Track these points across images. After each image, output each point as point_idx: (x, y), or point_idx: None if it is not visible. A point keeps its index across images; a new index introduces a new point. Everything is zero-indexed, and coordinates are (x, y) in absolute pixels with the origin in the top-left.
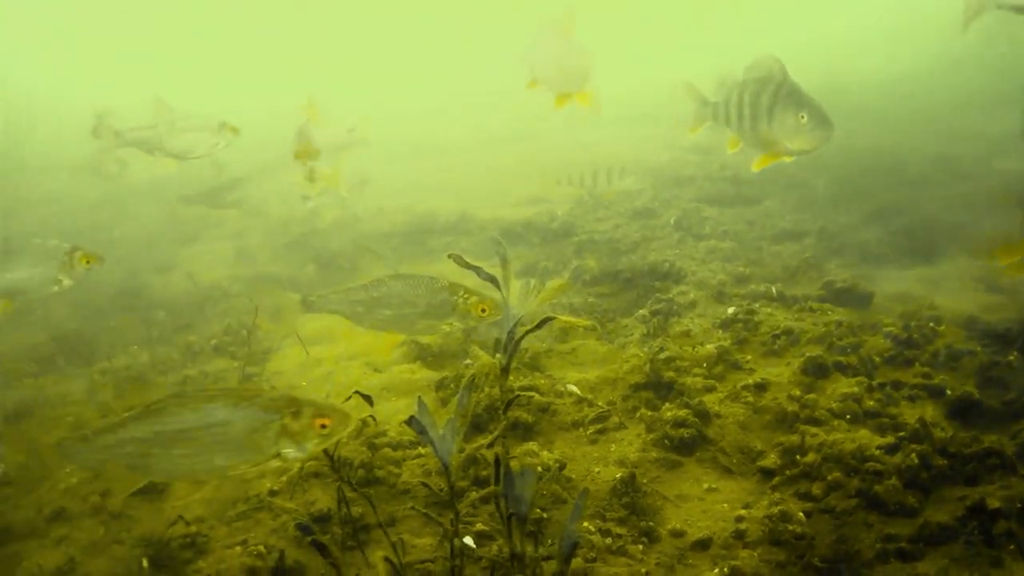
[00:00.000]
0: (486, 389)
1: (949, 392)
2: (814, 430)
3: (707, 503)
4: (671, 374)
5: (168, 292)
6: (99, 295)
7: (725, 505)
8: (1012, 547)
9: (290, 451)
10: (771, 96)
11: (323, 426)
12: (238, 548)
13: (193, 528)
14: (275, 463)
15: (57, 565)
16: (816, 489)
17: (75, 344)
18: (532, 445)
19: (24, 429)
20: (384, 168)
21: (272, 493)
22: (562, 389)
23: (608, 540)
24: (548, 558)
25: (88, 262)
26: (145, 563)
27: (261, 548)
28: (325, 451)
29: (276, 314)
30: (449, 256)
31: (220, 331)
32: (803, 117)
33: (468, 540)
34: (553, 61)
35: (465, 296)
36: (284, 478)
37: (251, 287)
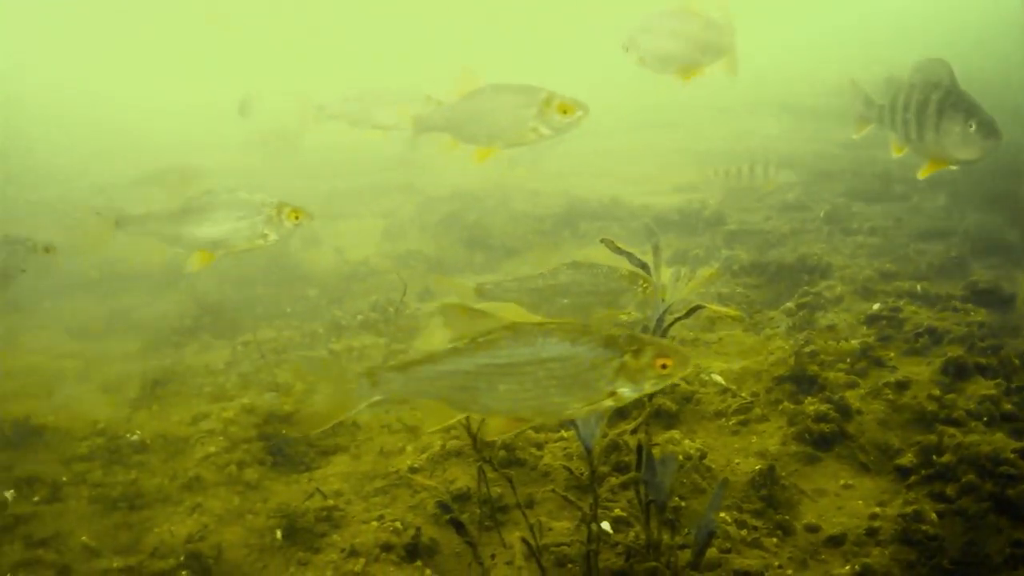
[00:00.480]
0: None
1: None
2: (952, 431)
3: (843, 499)
4: (815, 368)
5: (316, 267)
6: (248, 267)
7: (860, 502)
8: None
9: (626, 390)
10: (939, 102)
11: (664, 366)
12: (374, 523)
13: (330, 501)
14: (608, 402)
15: (189, 532)
16: (950, 490)
17: (221, 315)
18: (674, 433)
19: (161, 396)
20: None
21: (412, 470)
22: (706, 378)
23: (744, 532)
24: (683, 547)
25: (296, 217)
26: (279, 534)
27: (398, 524)
28: (468, 430)
29: (430, 294)
30: (601, 241)
31: (367, 307)
32: (971, 126)
33: (605, 525)
34: (680, 37)
35: (644, 285)
36: (425, 455)
37: (417, 271)
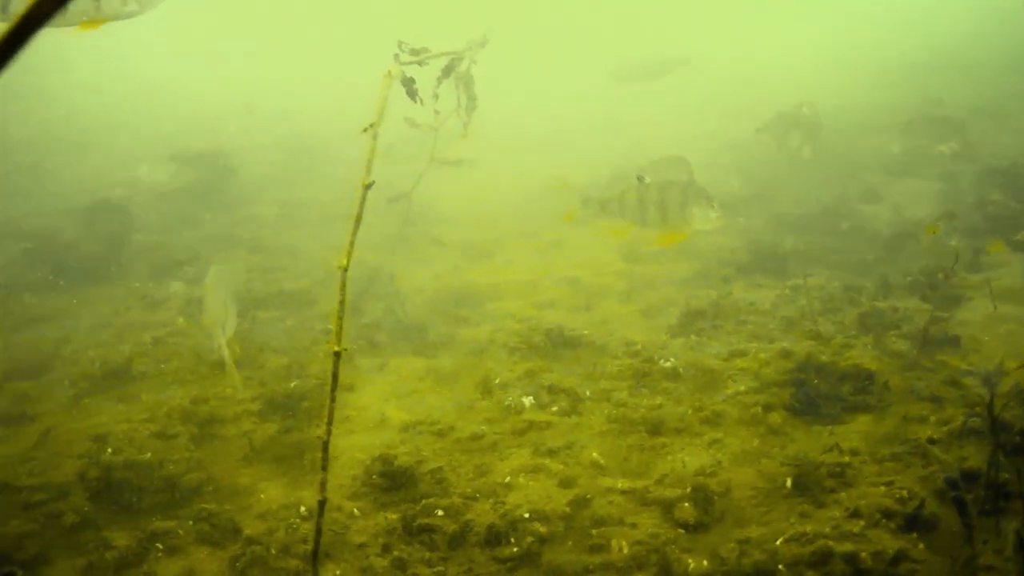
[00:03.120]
0: None
1: None
2: None
3: None
4: None
5: (872, 223)
6: (806, 215)
7: None
8: None
9: None
10: None
11: None
12: (882, 487)
13: (846, 458)
14: None
15: (701, 465)
16: None
17: (772, 256)
18: None
19: (700, 327)
20: None
21: (931, 441)
22: None
23: None
24: None
25: None
26: (789, 483)
27: (904, 493)
28: (989, 411)
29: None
30: None
31: (916, 269)
32: None
33: None
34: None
35: None
36: (946, 428)
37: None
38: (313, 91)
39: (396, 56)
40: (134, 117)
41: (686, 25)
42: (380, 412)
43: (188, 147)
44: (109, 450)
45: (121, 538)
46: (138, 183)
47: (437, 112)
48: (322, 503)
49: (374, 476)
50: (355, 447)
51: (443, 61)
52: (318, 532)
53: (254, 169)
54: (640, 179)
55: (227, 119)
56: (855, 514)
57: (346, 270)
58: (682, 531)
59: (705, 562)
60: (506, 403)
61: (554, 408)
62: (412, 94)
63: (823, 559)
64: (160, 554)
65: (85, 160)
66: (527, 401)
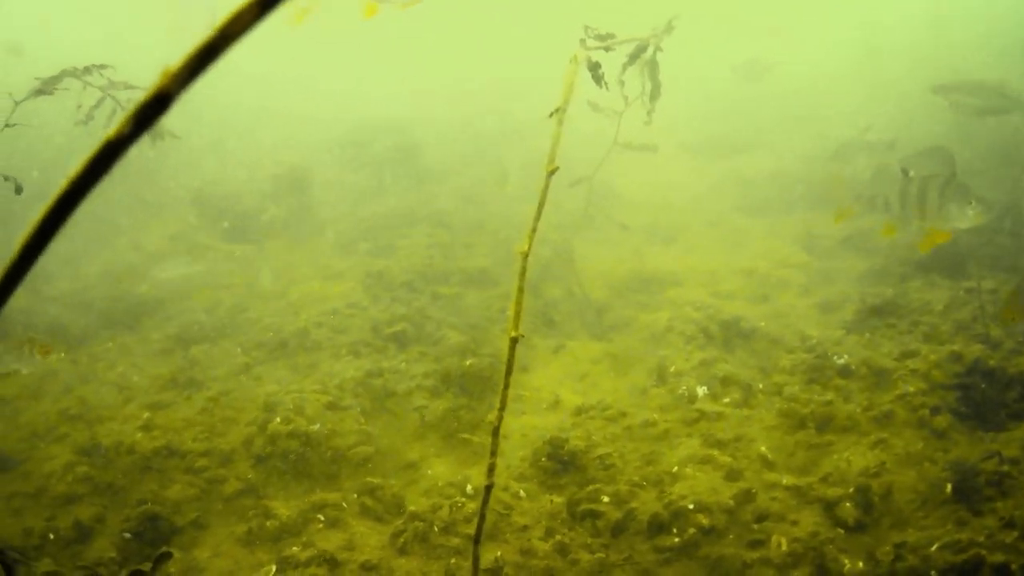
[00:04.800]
0: None
1: None
2: None
3: None
4: None
5: None
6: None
7: None
8: None
9: None
10: None
11: None
12: None
13: (1005, 467)
14: None
15: (866, 466)
16: None
17: (947, 256)
18: None
19: (875, 325)
20: None
21: None
22: None
23: None
24: None
25: None
26: (948, 488)
27: None
28: None
29: None
30: None
31: None
32: None
33: None
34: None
35: None
36: None
37: None
38: (497, 77)
39: (582, 41)
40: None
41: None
42: (554, 394)
43: (374, 123)
44: (277, 419)
45: (282, 508)
46: (321, 161)
47: (625, 97)
48: (488, 488)
49: (543, 459)
50: (526, 428)
51: (629, 47)
52: (482, 517)
53: (440, 148)
54: (904, 172)
55: (405, 101)
56: (1010, 524)
57: (527, 256)
58: (841, 531)
59: (860, 564)
60: (679, 392)
61: (726, 399)
62: (598, 79)
63: (975, 568)
64: (321, 525)
65: (265, 137)
66: (700, 391)
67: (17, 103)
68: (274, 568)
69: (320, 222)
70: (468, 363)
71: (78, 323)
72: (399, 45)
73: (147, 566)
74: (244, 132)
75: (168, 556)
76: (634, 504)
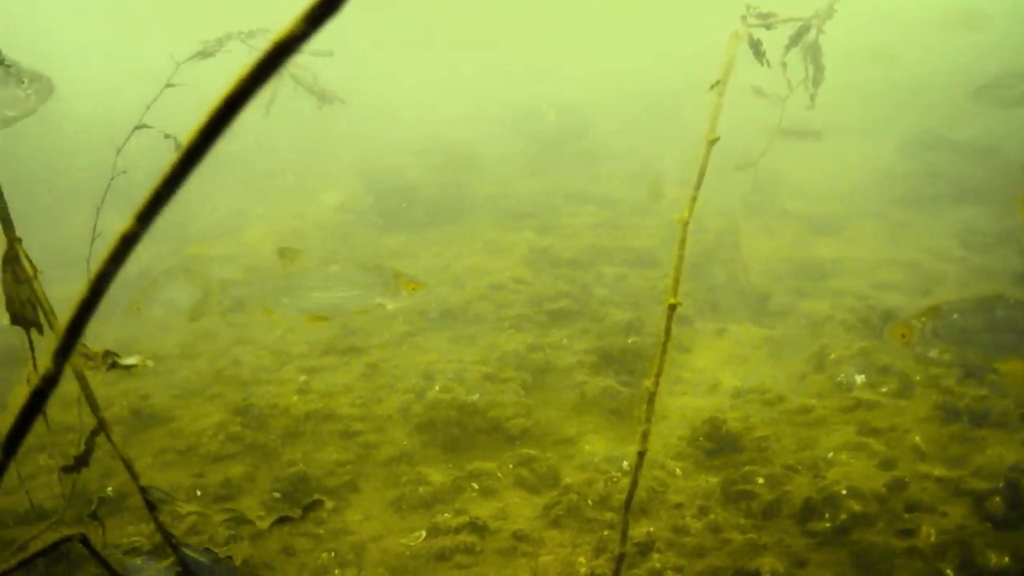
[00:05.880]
0: None
1: None
2: None
3: None
4: None
5: None
6: None
7: None
8: None
9: None
10: None
11: None
12: None
13: None
14: None
15: (1017, 460)
16: None
17: None
18: None
19: None
20: None
21: None
22: None
23: None
24: None
25: None
26: None
27: None
28: None
29: None
30: None
31: None
32: None
33: None
34: None
35: None
36: None
37: None
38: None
39: (743, 18)
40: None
41: None
42: (714, 376)
43: (544, 103)
44: (436, 388)
45: (436, 475)
46: (488, 137)
47: (788, 81)
48: (641, 455)
49: (700, 438)
50: (686, 408)
51: (790, 29)
52: (633, 484)
53: (610, 127)
54: None
55: (577, 82)
56: None
57: (687, 224)
58: (989, 525)
59: (1007, 559)
60: (837, 379)
61: (883, 389)
62: (759, 56)
63: None
64: (475, 494)
65: (432, 111)
66: (858, 379)
67: (179, 64)
68: (424, 533)
69: (484, 197)
70: (630, 341)
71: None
72: (576, 28)
73: (297, 512)
74: (410, 104)
75: (319, 503)
76: (788, 487)
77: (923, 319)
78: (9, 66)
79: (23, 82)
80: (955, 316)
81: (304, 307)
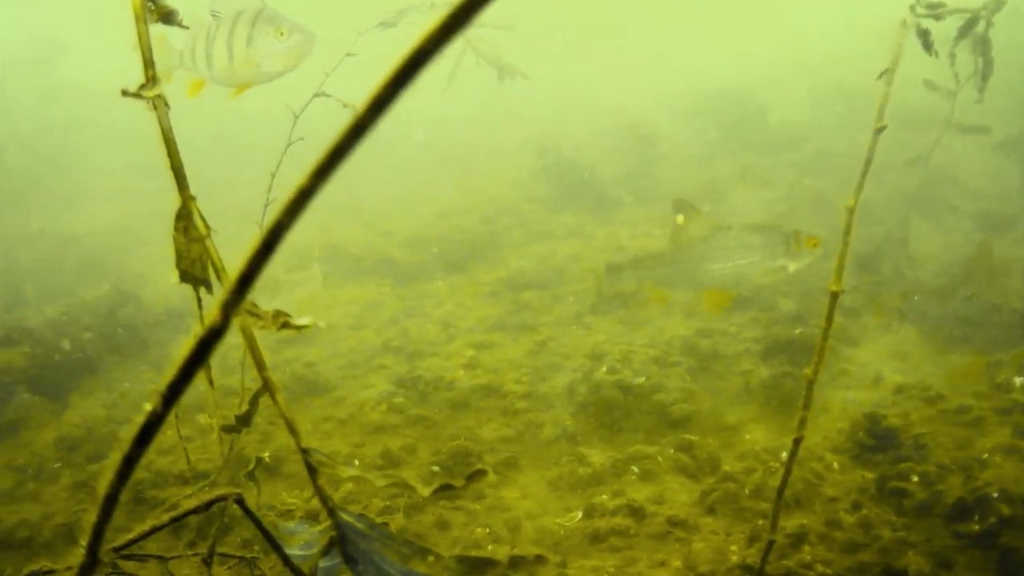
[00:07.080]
0: None
1: None
2: None
3: None
4: None
5: None
6: None
7: None
8: None
9: None
10: None
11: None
12: None
13: None
14: None
15: None
16: None
17: None
18: None
19: None
20: None
21: None
22: None
23: None
24: None
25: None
26: None
27: None
28: None
29: None
30: None
31: None
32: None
33: None
34: None
35: None
36: None
37: None
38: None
39: (912, 7)
40: None
41: None
42: (877, 371)
43: (718, 89)
44: (603, 369)
45: (597, 456)
46: (664, 121)
47: (955, 75)
48: (797, 441)
49: (860, 433)
50: (847, 401)
51: (958, 21)
52: (787, 471)
53: (785, 113)
54: None
55: (753, 69)
56: None
57: (852, 212)
58: None
59: None
60: (997, 380)
61: None
62: (928, 46)
63: None
64: (634, 477)
65: (607, 93)
66: (1018, 381)
67: (359, 34)
68: (580, 514)
69: (661, 181)
70: (797, 331)
71: (410, 260)
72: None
73: (460, 482)
74: (587, 82)
75: (482, 473)
76: (940, 486)
77: None
78: (271, 17)
79: (283, 34)
80: None
81: (704, 283)
